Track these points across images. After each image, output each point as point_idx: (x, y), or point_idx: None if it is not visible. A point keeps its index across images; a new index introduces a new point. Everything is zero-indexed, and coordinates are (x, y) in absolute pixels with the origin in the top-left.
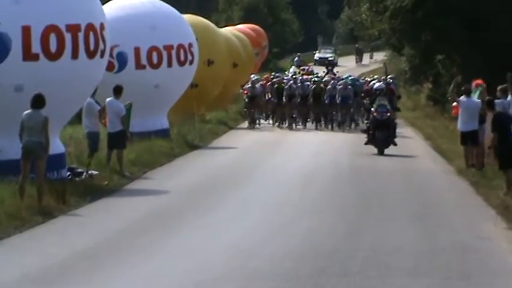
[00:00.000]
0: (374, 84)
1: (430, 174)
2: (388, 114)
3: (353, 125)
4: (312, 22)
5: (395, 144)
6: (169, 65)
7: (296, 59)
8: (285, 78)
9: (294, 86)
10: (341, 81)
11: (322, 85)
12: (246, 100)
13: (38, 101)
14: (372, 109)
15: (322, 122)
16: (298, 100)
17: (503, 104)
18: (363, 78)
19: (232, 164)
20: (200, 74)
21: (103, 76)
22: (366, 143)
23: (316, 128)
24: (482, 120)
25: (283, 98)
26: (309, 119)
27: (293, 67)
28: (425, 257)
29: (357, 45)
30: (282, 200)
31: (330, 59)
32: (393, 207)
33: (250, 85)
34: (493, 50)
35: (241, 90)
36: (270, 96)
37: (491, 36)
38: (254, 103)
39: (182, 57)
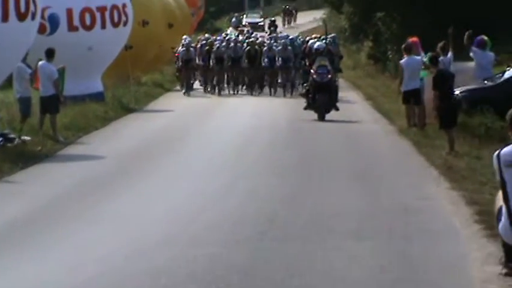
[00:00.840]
0: (313, 44)
1: (371, 134)
2: (329, 76)
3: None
4: None
5: (337, 109)
6: (103, 26)
7: (233, 19)
8: (217, 39)
9: (223, 48)
10: (280, 42)
11: (257, 46)
12: (180, 64)
13: None
14: (312, 70)
15: (257, 88)
16: (229, 63)
17: (444, 62)
18: (300, 38)
19: (167, 127)
20: (135, 35)
21: (34, 39)
22: (306, 108)
23: (252, 94)
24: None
25: (210, 61)
26: (240, 85)
27: (230, 28)
28: (367, 219)
29: (285, 6)
30: (218, 164)
31: (260, 24)
32: (334, 169)
33: (184, 48)
34: (434, 6)
35: (173, 53)
36: (199, 59)
37: None
38: (189, 67)
39: (116, 19)
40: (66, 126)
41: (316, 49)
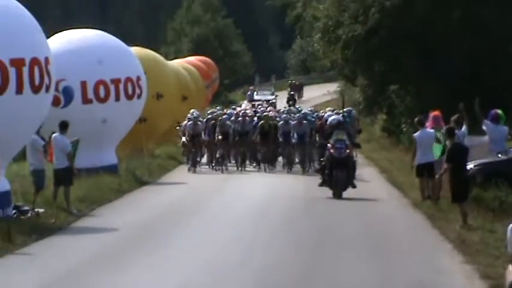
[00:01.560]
0: (329, 117)
1: (386, 208)
2: (347, 151)
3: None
4: (263, 53)
5: (354, 187)
6: (117, 99)
7: (249, 93)
8: (227, 113)
9: (227, 121)
10: (295, 116)
11: (270, 121)
12: (186, 139)
13: None
14: (329, 145)
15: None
16: (236, 138)
17: (458, 135)
18: (314, 111)
19: (181, 200)
20: (149, 108)
21: (49, 111)
22: (321, 185)
23: (264, 170)
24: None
25: (216, 135)
26: (247, 160)
27: (245, 101)
28: None
29: (291, 81)
30: (232, 237)
31: (271, 101)
32: (348, 243)
33: (191, 122)
34: (448, 79)
35: (177, 128)
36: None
37: (445, 65)
38: (195, 142)
39: (130, 91)
40: (80, 199)
41: (333, 123)
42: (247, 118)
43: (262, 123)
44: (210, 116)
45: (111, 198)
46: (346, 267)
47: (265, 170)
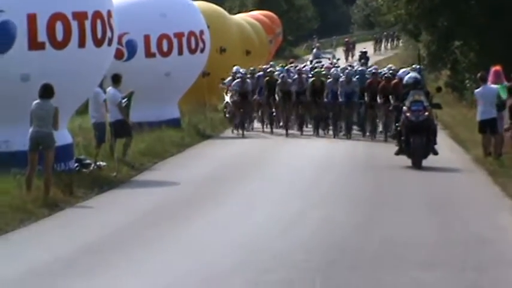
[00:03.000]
0: (404, 74)
1: (447, 163)
2: (426, 113)
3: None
4: (327, 8)
5: (435, 153)
6: (180, 52)
7: (315, 50)
8: (278, 69)
9: (289, 79)
10: (345, 72)
11: (323, 78)
12: (232, 99)
13: (47, 91)
14: (404, 108)
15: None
16: (294, 98)
17: None
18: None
19: (243, 154)
20: (212, 62)
21: (112, 64)
22: (397, 153)
23: (318, 135)
24: (501, 108)
25: (276, 95)
26: (305, 123)
27: (310, 58)
28: (439, 249)
29: (346, 40)
30: (293, 191)
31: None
32: (408, 197)
33: (239, 80)
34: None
35: (221, 85)
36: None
37: (509, 21)
38: (245, 103)
39: (193, 45)
40: (143, 152)
41: (410, 81)
42: (303, 76)
43: (313, 81)
44: (261, 73)
45: (173, 152)
46: (405, 221)
47: (317, 134)
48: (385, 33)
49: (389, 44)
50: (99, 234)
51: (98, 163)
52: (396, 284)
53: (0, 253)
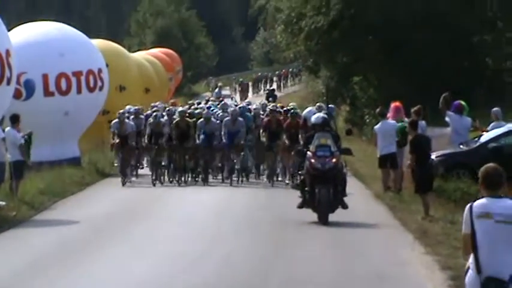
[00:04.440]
0: (310, 113)
1: (347, 199)
2: (334, 160)
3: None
4: (227, 45)
5: (345, 207)
6: (79, 91)
7: (216, 90)
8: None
9: (162, 120)
10: (230, 110)
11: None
12: (112, 141)
13: None
14: (308, 153)
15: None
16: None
17: (421, 126)
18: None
19: (143, 193)
20: (111, 100)
21: (11, 104)
22: (301, 206)
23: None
24: (402, 143)
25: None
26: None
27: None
28: (340, 285)
29: (241, 81)
30: (194, 231)
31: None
32: (308, 233)
33: (116, 120)
34: (410, 70)
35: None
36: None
37: (407, 56)
38: (124, 148)
39: (92, 83)
40: (42, 191)
41: (318, 122)
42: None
43: (177, 121)
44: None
45: (73, 191)
46: (306, 258)
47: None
48: (283, 70)
49: (288, 81)
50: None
51: None
52: None
53: None
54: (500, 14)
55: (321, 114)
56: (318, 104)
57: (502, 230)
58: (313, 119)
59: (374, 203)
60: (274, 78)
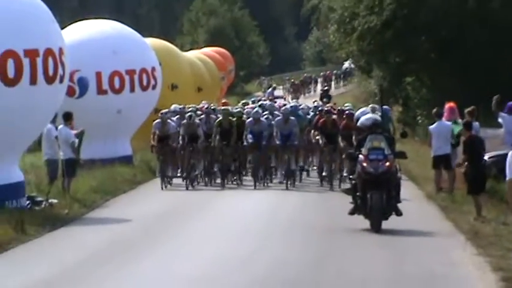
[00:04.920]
0: (362, 114)
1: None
2: (387, 163)
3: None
4: (279, 44)
5: (399, 214)
6: (132, 89)
7: (269, 90)
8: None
9: (197, 121)
10: (281, 109)
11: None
12: (151, 144)
13: None
14: (360, 156)
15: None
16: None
17: (474, 127)
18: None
19: (192, 194)
20: (164, 98)
21: (64, 101)
22: (352, 212)
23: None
24: (455, 144)
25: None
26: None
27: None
28: (392, 285)
29: (293, 81)
30: (245, 229)
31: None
32: (361, 233)
33: (158, 120)
34: (463, 70)
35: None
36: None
37: (460, 56)
38: (165, 149)
39: (145, 82)
40: (94, 189)
41: (367, 124)
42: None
43: (219, 120)
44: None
45: (125, 189)
46: (357, 258)
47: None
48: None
49: (332, 84)
50: (50, 272)
51: (49, 200)
52: None
53: None
54: None
55: (372, 116)
56: (371, 105)
57: None
58: (361, 120)
59: (426, 204)
60: (319, 80)
